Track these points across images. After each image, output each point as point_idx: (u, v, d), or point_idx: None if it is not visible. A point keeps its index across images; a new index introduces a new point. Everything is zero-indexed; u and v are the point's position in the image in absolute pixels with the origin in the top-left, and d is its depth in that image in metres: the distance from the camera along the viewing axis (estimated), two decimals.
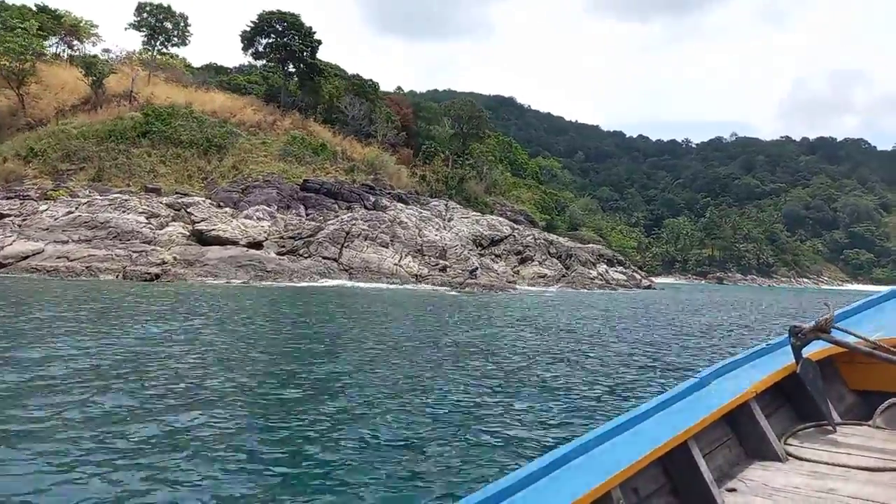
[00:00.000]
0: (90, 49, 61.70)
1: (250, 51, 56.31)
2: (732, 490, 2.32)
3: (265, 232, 36.16)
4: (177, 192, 41.97)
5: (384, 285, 29.43)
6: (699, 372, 2.84)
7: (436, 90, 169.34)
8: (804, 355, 2.93)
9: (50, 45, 60.82)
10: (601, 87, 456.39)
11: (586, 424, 6.32)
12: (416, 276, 32.56)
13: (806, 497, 2.20)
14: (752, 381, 2.74)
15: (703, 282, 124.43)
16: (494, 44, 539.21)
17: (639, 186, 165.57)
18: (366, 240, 34.09)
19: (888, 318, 3.54)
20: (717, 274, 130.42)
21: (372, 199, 42.78)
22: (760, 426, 2.65)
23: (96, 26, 64.27)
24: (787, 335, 3.01)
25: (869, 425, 2.89)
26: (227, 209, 40.70)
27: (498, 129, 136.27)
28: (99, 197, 37.70)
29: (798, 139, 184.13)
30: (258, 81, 64.43)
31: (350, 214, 38.14)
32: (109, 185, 42.21)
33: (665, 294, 41.23)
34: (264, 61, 58.28)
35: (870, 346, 2.84)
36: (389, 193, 49.01)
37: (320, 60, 57.47)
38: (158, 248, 30.57)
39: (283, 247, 33.97)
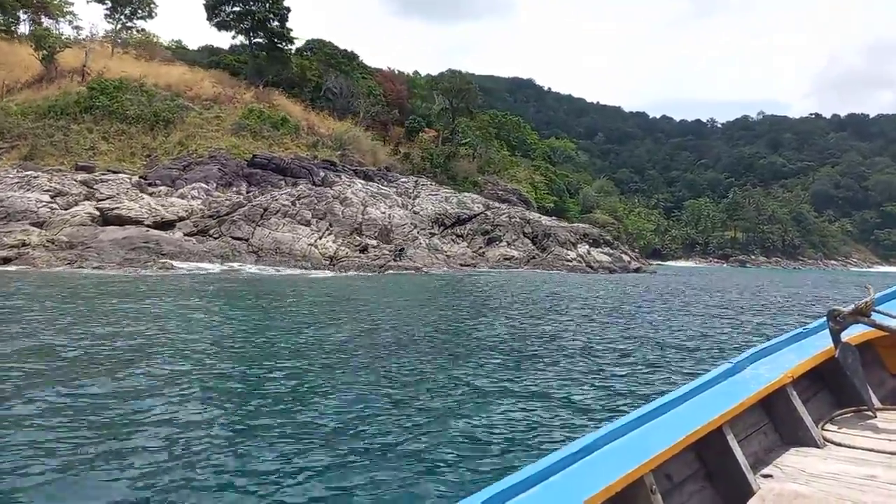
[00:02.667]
0: (65, 29, 57.57)
1: (215, 20, 51.06)
2: (768, 476, 2.20)
3: (186, 211, 31.18)
4: (109, 170, 37.38)
5: (289, 271, 24.07)
6: (734, 357, 2.60)
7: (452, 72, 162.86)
8: (843, 339, 2.74)
9: (19, 23, 56.90)
10: (626, 67, 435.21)
11: None
12: (332, 258, 27.18)
13: (845, 483, 2.07)
14: (788, 366, 2.61)
15: (724, 265, 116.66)
16: (515, 24, 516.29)
17: (660, 168, 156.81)
18: (285, 217, 28.80)
19: None
20: (740, 257, 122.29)
21: (322, 174, 37.45)
22: (797, 411, 2.51)
23: (71, 3, 60.02)
24: (825, 319, 2.82)
25: None
26: (162, 187, 35.89)
27: (516, 111, 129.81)
28: (11, 175, 33.24)
29: (829, 116, 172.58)
30: (247, 61, 59.60)
31: (286, 190, 32.95)
32: (42, 164, 37.91)
33: (646, 279, 34.77)
34: (232, 33, 52.95)
35: None
36: (354, 170, 43.65)
37: (289, 30, 51.99)
38: (33, 228, 25.80)
39: (196, 226, 28.97)
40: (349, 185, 35.36)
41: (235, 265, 24.68)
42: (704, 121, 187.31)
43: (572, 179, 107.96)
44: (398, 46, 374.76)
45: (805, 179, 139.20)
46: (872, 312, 2.71)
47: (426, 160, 58.18)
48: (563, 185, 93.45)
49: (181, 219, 30.19)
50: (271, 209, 28.88)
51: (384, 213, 33.26)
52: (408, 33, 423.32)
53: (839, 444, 2.44)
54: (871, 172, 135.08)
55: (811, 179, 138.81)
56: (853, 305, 2.71)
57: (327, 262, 26.62)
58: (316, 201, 32.21)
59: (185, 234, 28.26)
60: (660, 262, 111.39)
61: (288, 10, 51.30)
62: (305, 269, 25.19)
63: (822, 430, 2.58)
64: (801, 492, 1.97)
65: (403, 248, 29.22)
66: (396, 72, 77.04)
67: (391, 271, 25.82)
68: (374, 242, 29.48)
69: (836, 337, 2.75)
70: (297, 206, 29.74)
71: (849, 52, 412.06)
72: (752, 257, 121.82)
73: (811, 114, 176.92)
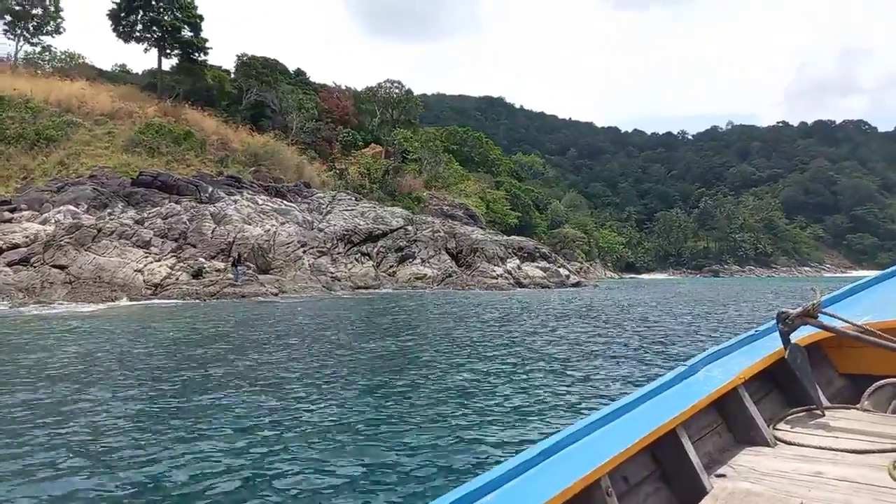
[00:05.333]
0: None
1: (121, 30, 45.78)
2: (721, 476, 2.20)
3: (28, 237, 25.56)
4: None
5: (88, 307, 18.23)
6: (689, 360, 2.59)
7: (424, 94, 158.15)
8: (792, 341, 2.72)
9: None
10: (598, 83, 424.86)
11: None
12: (157, 285, 21.68)
13: (794, 481, 2.10)
14: (740, 368, 2.60)
15: (698, 276, 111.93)
16: (485, 42, 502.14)
17: (632, 181, 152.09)
18: (120, 238, 23.28)
19: (875, 301, 3.39)
20: (713, 267, 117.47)
21: (210, 190, 31.99)
22: (749, 412, 2.52)
23: None
24: (775, 321, 2.79)
25: (857, 408, 2.73)
26: (26, 212, 30.33)
27: (487, 129, 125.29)
28: None
29: (796, 124, 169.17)
30: (181, 80, 54.52)
31: (157, 209, 27.43)
32: None
33: (564, 295, 29.10)
34: (144, 45, 47.59)
35: (857, 331, 2.71)
36: (266, 186, 38.32)
37: (203, 39, 46.79)
38: None
39: (28, 254, 23.36)
40: (235, 202, 29.88)
41: (30, 303, 19.03)
42: (675, 133, 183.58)
43: (540, 194, 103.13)
44: (370, 68, 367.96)
45: (775, 187, 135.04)
46: (819, 314, 2.70)
47: (364, 176, 53.02)
48: (530, 201, 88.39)
49: (14, 247, 24.55)
50: (106, 230, 23.34)
51: (268, 230, 27.80)
52: (378, 56, 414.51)
53: (789, 443, 2.43)
54: (840, 177, 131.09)
55: (781, 186, 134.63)
56: (801, 307, 2.69)
57: (150, 291, 21.09)
58: (188, 220, 26.73)
59: (7, 265, 22.61)
60: (633, 276, 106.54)
61: (201, 17, 46.18)
62: (117, 299, 19.61)
63: (774, 429, 2.55)
64: (752, 490, 1.99)
65: (240, 274, 23.27)
66: (343, 87, 71.81)
67: (226, 299, 20.27)
68: (221, 265, 23.90)
69: (785, 338, 2.71)
70: (144, 225, 24.21)
71: (819, 60, 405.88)
72: (725, 267, 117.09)
73: (779, 122, 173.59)
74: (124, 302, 19.47)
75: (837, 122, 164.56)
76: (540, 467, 1.75)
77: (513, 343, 11.42)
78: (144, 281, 21.52)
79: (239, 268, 23.25)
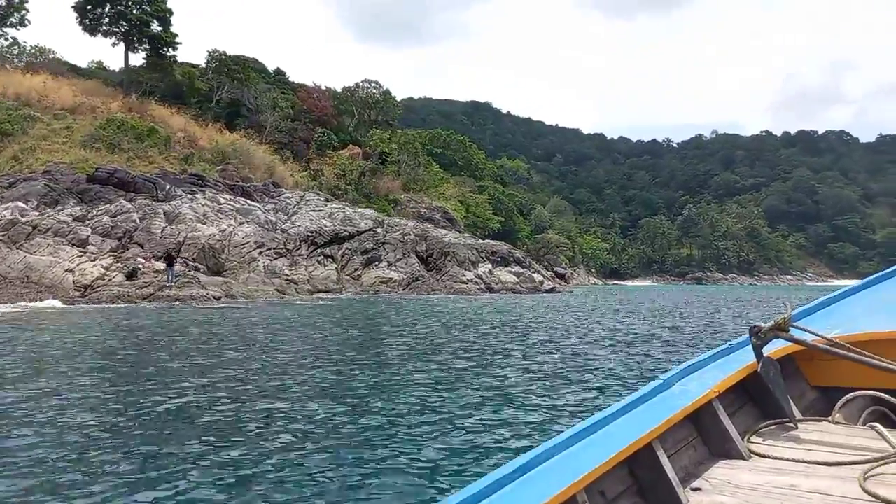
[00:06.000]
0: None
1: (86, 21, 44.08)
2: (697, 489, 2.18)
3: None
4: None
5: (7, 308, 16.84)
6: (664, 374, 2.56)
7: (410, 98, 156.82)
8: (765, 354, 2.71)
9: None
10: (585, 90, 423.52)
11: None
12: (87, 287, 20.18)
13: (767, 493, 2.09)
14: (715, 381, 2.58)
15: (682, 283, 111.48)
16: (473, 48, 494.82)
17: (617, 187, 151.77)
18: (56, 236, 21.79)
19: (845, 314, 3.40)
20: (696, 274, 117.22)
21: (167, 188, 30.43)
22: (724, 425, 2.50)
23: None
24: (748, 335, 2.80)
25: (829, 421, 2.73)
26: None
27: (474, 133, 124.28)
28: None
29: (779, 134, 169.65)
30: (148, 76, 52.81)
31: (105, 207, 25.87)
32: None
33: (529, 301, 27.79)
34: (112, 40, 45.90)
35: (827, 344, 2.75)
36: (232, 185, 36.79)
37: (173, 34, 45.19)
38: None
39: None
40: (192, 200, 28.37)
41: None
42: (660, 141, 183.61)
43: (524, 200, 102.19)
44: (359, 70, 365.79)
45: (758, 195, 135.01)
46: (790, 327, 2.72)
47: (340, 177, 51.65)
48: (514, 206, 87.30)
49: None
50: (42, 227, 21.80)
51: (223, 230, 26.32)
52: (371, 57, 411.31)
53: (763, 456, 2.44)
54: (822, 187, 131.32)
55: (764, 195, 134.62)
56: (772, 321, 2.71)
57: (78, 293, 19.59)
58: (139, 218, 25.18)
59: None
60: (617, 282, 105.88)
61: (170, 12, 44.61)
62: (41, 301, 18.08)
63: (748, 442, 2.55)
64: (727, 503, 2.03)
65: (174, 272, 21.68)
66: (323, 87, 70.28)
67: (160, 303, 18.77)
68: (160, 266, 22.41)
69: (757, 352, 2.71)
70: (86, 223, 22.68)
71: (806, 71, 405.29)
72: (708, 274, 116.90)
73: (762, 131, 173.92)
74: (45, 304, 17.96)
75: (820, 132, 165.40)
76: (515, 484, 1.69)
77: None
78: (74, 282, 20.01)
79: (174, 268, 21.76)
